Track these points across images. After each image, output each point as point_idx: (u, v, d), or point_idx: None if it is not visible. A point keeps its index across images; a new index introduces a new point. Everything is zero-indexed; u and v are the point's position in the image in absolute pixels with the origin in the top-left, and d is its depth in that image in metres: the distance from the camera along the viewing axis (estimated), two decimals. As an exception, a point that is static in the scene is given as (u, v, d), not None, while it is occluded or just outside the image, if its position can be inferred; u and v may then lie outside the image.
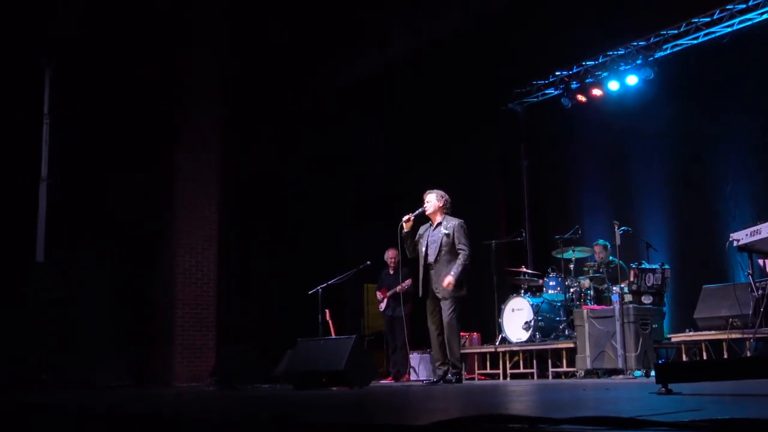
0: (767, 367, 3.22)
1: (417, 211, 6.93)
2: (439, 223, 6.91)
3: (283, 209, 11.84)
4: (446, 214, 6.97)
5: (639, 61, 9.45)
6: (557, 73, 10.52)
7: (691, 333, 7.48)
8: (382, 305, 9.55)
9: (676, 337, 7.66)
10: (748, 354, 6.84)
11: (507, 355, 8.93)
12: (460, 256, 6.76)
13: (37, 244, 9.05)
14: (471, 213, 7.29)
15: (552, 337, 8.65)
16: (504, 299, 9.16)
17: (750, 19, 8.62)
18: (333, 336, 8.57)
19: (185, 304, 10.41)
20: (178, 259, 10.45)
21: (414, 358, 9.26)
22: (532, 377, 8.58)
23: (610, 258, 8.80)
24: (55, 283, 9.09)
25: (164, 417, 2.85)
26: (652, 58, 9.35)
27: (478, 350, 9.37)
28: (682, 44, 9.27)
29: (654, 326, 7.41)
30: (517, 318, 8.87)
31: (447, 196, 7.02)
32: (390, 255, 9.18)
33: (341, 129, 11.95)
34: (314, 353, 6.89)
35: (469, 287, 6.89)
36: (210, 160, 10.91)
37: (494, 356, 9.13)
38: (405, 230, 6.86)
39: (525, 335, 8.71)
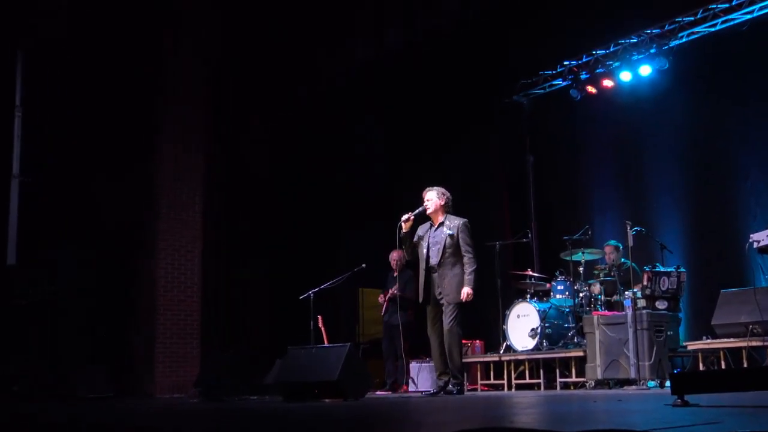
0: (790, 377, 3.21)
1: (417, 210, 6.90)
2: (441, 223, 6.88)
3: (272, 209, 11.81)
4: (448, 212, 6.94)
5: (653, 50, 9.45)
6: (565, 63, 10.51)
7: (709, 340, 7.47)
8: (384, 310, 9.56)
9: (692, 345, 7.66)
10: (770, 363, 6.84)
11: (512, 364, 8.92)
12: (467, 262, 6.72)
13: (8, 246, 9.02)
14: (473, 212, 7.28)
15: (560, 345, 8.65)
16: (509, 305, 9.15)
17: (771, 5, 8.63)
18: (326, 344, 8.56)
19: (167, 309, 10.39)
20: (160, 262, 10.43)
21: (413, 367, 9.25)
22: (539, 388, 8.58)
23: (622, 260, 8.80)
24: (29, 287, 9.06)
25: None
26: (666, 47, 9.35)
27: (481, 359, 9.36)
28: (698, 32, 9.27)
29: (669, 333, 7.42)
30: (522, 325, 8.86)
31: (448, 194, 6.99)
32: (394, 257, 9.17)
33: (335, 124, 11.93)
34: (306, 362, 6.87)
35: (473, 292, 6.86)
36: (195, 157, 10.89)
37: (498, 365, 9.12)
38: (404, 231, 6.82)
39: (531, 343, 8.70)
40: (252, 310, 11.49)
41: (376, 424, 3.33)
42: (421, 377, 9.18)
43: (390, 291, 9.03)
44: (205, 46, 11.03)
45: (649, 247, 8.74)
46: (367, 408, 4.93)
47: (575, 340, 8.53)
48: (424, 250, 6.88)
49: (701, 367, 7.49)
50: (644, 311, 7.34)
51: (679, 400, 3.38)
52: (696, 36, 9.31)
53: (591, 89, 10.20)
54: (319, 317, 8.67)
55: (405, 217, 6.80)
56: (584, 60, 10.31)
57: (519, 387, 8.85)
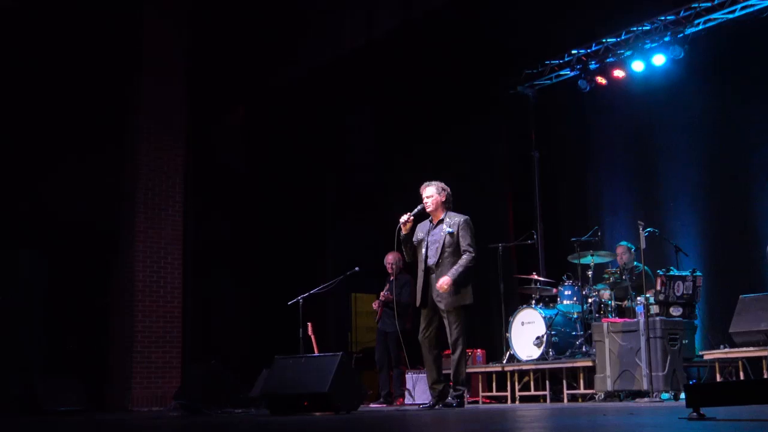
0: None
1: (416, 210, 6.89)
2: (441, 221, 6.88)
3: (258, 207, 11.80)
4: (448, 209, 6.94)
5: (667, 38, 9.46)
6: (573, 52, 10.52)
7: (727, 350, 7.49)
8: (378, 316, 9.55)
9: (709, 355, 7.68)
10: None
11: (516, 374, 8.93)
12: (463, 258, 6.71)
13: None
14: (474, 211, 7.26)
15: (567, 354, 8.66)
16: (512, 311, 9.17)
17: (794, -10, 8.65)
18: (316, 353, 8.56)
19: (145, 316, 10.36)
20: (136, 264, 10.39)
21: (409, 378, 9.25)
22: (545, 400, 8.59)
23: (634, 263, 8.81)
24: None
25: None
26: (682, 35, 9.37)
27: (483, 369, 9.37)
28: (716, 18, 9.28)
29: (684, 342, 7.43)
30: (527, 332, 8.87)
31: (448, 189, 6.98)
32: (389, 260, 9.16)
33: (321, 114, 11.87)
34: (294, 373, 6.87)
35: (474, 296, 6.86)
36: (172, 150, 10.84)
37: (501, 376, 9.14)
38: (403, 233, 6.81)
39: (536, 352, 8.71)
40: (236, 317, 11.49)
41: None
42: (418, 389, 9.18)
43: (384, 296, 9.02)
44: (178, 26, 10.96)
45: (663, 250, 8.76)
46: (360, 422, 4.93)
47: (584, 349, 8.54)
48: (423, 250, 6.88)
49: (718, 378, 7.52)
50: (657, 318, 7.35)
51: (694, 414, 3.39)
52: (714, 23, 9.32)
53: (601, 80, 10.21)
54: (309, 324, 8.66)
55: (404, 218, 6.78)
56: (593, 48, 10.32)
57: (523, 399, 8.86)
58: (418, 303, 6.92)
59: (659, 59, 9.61)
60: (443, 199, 6.91)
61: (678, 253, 8.56)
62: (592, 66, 10.35)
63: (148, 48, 10.78)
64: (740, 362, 7.37)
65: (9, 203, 9.75)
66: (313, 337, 8.83)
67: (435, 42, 10.40)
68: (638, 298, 7.85)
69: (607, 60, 10.20)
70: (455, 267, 6.68)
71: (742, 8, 9.04)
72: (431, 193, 6.91)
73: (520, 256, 10.50)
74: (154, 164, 10.66)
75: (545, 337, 8.64)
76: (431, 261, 6.82)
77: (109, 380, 10.42)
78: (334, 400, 6.40)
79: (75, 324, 10.36)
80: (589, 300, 8.81)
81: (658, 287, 7.87)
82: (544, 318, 8.73)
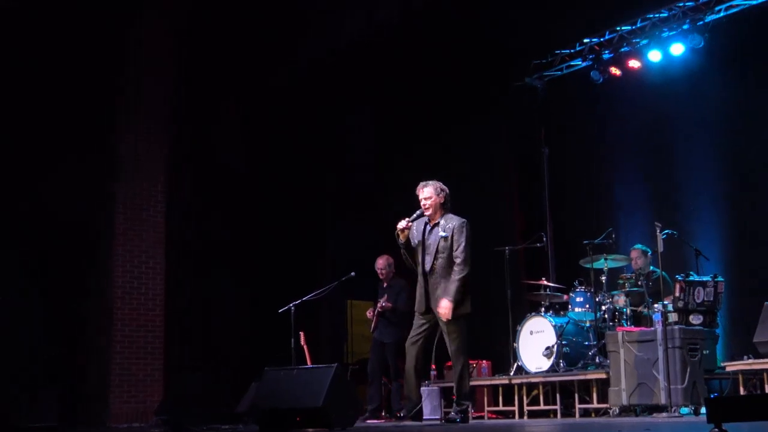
0: None
1: (415, 215, 6.89)
2: (437, 223, 6.89)
3: (247, 207, 11.80)
4: (446, 211, 6.95)
5: (686, 26, 9.48)
6: (585, 41, 10.53)
7: (750, 360, 7.50)
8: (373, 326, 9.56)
9: (731, 366, 7.68)
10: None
11: (524, 387, 8.93)
12: (455, 270, 6.72)
13: None
14: (479, 212, 7.30)
15: (579, 365, 8.66)
16: (520, 319, 9.16)
17: (822, -26, 8.68)
18: (309, 365, 8.56)
19: (125, 324, 10.34)
20: (116, 268, 10.37)
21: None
22: (555, 415, 8.59)
23: (651, 268, 8.82)
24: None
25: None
26: (701, 23, 9.38)
27: (489, 382, 9.37)
28: (738, 5, 9.30)
29: (705, 352, 7.44)
30: (536, 342, 8.87)
31: (446, 189, 6.99)
32: (380, 265, 9.16)
33: (321, 113, 11.93)
34: (286, 386, 6.87)
35: (477, 305, 6.87)
36: (157, 147, 10.85)
37: (508, 389, 9.14)
38: (401, 240, 6.85)
39: (546, 363, 8.72)
40: (223, 326, 11.46)
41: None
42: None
43: (379, 303, 9.02)
44: (170, 17, 10.99)
45: (682, 254, 8.76)
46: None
47: (597, 360, 8.55)
48: (420, 253, 6.91)
49: (742, 392, 7.52)
50: (676, 327, 7.35)
51: (716, 429, 3.39)
52: (735, 9, 9.34)
53: (615, 71, 10.22)
54: (301, 334, 8.67)
55: (401, 225, 6.79)
56: (607, 37, 10.33)
57: (532, 414, 8.86)
58: (418, 309, 6.95)
59: (677, 48, 9.62)
60: (441, 201, 6.92)
61: (698, 257, 8.56)
62: (606, 56, 10.36)
63: (141, 45, 10.81)
64: (765, 374, 7.37)
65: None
66: (306, 347, 8.84)
67: (437, 37, 10.45)
68: (655, 306, 7.84)
69: (622, 49, 10.21)
70: (450, 285, 6.70)
71: (767, -7, 9.07)
72: (429, 194, 6.90)
73: (528, 260, 10.51)
74: (135, 165, 10.65)
75: (555, 347, 8.64)
76: (427, 266, 6.86)
77: (87, 394, 10.40)
78: (328, 415, 6.41)
79: (50, 334, 10.34)
80: (603, 307, 8.81)
81: (677, 293, 7.86)
82: (555, 327, 8.74)
